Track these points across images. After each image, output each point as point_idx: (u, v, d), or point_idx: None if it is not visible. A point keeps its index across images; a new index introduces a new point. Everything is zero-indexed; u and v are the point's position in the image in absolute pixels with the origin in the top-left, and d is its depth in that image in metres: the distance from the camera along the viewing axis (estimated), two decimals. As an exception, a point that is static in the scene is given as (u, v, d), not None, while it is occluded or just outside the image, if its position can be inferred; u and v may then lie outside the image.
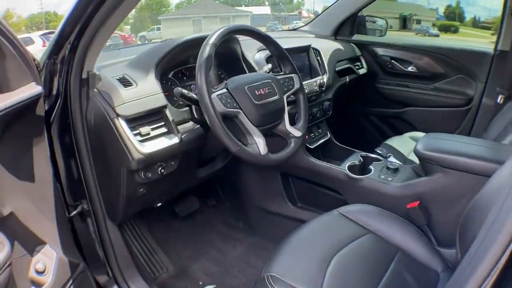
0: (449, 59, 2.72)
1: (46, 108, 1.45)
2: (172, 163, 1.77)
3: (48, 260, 1.44)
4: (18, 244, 1.29)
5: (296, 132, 1.77)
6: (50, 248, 1.45)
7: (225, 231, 2.65)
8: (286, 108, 1.77)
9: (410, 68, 2.86)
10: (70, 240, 1.55)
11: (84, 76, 1.51)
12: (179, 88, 1.57)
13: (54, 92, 1.49)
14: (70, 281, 1.50)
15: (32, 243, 1.39)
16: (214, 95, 1.52)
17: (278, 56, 1.86)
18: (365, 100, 3.25)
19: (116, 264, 1.85)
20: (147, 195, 1.81)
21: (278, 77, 1.79)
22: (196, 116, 1.76)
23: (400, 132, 2.70)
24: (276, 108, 1.71)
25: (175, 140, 1.67)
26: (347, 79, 2.70)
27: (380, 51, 2.98)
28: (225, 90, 1.57)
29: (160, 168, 1.71)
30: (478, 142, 1.79)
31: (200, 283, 2.26)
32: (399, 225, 1.63)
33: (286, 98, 1.78)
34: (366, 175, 1.96)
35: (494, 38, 2.61)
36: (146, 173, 1.68)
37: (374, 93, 3.09)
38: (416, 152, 1.75)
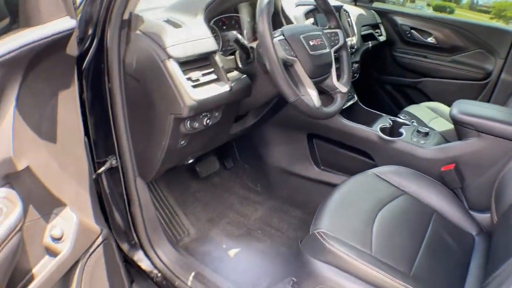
0: (470, 33, 2.73)
1: (78, 53, 1.26)
2: (216, 114, 1.65)
3: (67, 225, 1.27)
4: (32, 205, 1.14)
5: (342, 88, 1.69)
6: (70, 211, 1.28)
7: (243, 194, 2.51)
8: (334, 63, 1.69)
9: (429, 39, 2.86)
10: (95, 202, 1.38)
11: (125, 17, 1.36)
12: (234, 32, 1.52)
13: (90, 32, 1.32)
14: (91, 250, 1.35)
15: (49, 205, 1.23)
16: (275, 40, 1.42)
17: (325, 10, 1.76)
18: (381, 68, 3.21)
19: (143, 227, 1.70)
20: (186, 148, 1.68)
21: (324, 31, 1.71)
22: (241, 65, 1.66)
23: (414, 102, 2.79)
24: (326, 61, 1.64)
25: (225, 88, 1.55)
26: (370, 45, 2.69)
27: (399, 20, 2.97)
28: (282, 37, 1.48)
29: (206, 119, 1.59)
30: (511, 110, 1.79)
31: (224, 246, 2.12)
32: (433, 187, 1.64)
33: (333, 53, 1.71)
34: (399, 138, 1.93)
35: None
36: (193, 123, 1.55)
37: (391, 62, 3.08)
38: (452, 116, 1.75)
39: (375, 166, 1.81)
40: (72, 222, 1.26)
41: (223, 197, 2.47)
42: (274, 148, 2.42)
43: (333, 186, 2.16)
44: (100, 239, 1.35)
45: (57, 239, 1.23)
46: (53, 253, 1.22)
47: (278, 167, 2.45)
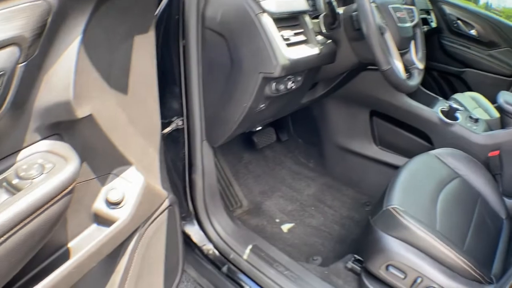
0: (502, 31, 2.79)
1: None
2: (299, 78, 1.53)
3: (130, 187, 1.13)
4: (87, 162, 1.03)
5: (419, 64, 1.68)
6: (137, 171, 1.13)
7: (295, 169, 2.39)
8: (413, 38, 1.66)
9: (472, 32, 2.89)
10: (163, 163, 1.25)
11: None
12: None
13: None
14: (152, 218, 1.22)
15: (109, 163, 1.11)
16: (373, 5, 1.37)
17: None
18: (430, 54, 3.16)
19: (202, 195, 1.59)
20: (263, 113, 1.58)
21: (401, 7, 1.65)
22: (326, 30, 1.57)
23: (457, 91, 2.85)
24: (408, 35, 1.61)
25: (314, 51, 1.45)
26: (425, 29, 2.71)
27: (447, 9, 2.99)
28: (374, 4, 1.44)
29: (290, 82, 1.49)
30: None
31: (277, 220, 2.01)
32: (480, 171, 1.71)
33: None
34: (456, 121, 1.93)
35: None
36: (279, 85, 1.45)
37: (439, 49, 3.08)
38: (499, 105, 1.89)
39: (430, 148, 1.83)
40: (138, 184, 1.13)
41: (275, 171, 2.36)
42: (333, 124, 2.31)
43: (389, 166, 2.15)
44: (165, 205, 1.22)
45: (114, 204, 1.10)
46: (105, 221, 1.10)
47: (335, 143, 2.35)
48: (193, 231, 1.66)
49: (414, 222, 1.30)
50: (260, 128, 2.06)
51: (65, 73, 0.89)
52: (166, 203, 1.24)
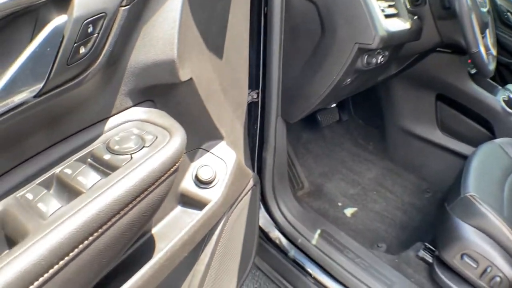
0: None
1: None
2: (387, 53, 1.42)
3: (221, 165, 1.01)
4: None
5: (493, 50, 1.62)
6: (227, 147, 1.01)
7: (354, 151, 2.26)
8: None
9: None
10: (246, 137, 1.11)
11: None
12: None
13: None
14: (238, 200, 1.10)
15: (201, 135, 0.99)
16: None
17: None
18: None
19: (271, 175, 1.46)
20: (346, 88, 1.48)
21: None
22: (410, 6, 1.48)
23: (506, 82, 2.60)
24: (486, 20, 1.54)
25: (406, 25, 1.37)
26: None
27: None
28: None
29: (380, 56, 1.39)
30: None
31: (339, 204, 1.89)
32: None
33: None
34: None
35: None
36: (370, 58, 1.35)
37: None
38: None
39: (491, 137, 1.80)
40: (230, 161, 1.00)
41: (334, 152, 2.23)
42: (398, 105, 2.16)
43: (451, 152, 2.03)
44: (250, 184, 1.09)
45: (205, 183, 0.97)
46: (192, 203, 0.97)
47: (399, 126, 2.20)
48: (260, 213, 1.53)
49: (491, 210, 1.27)
50: (334, 105, 1.93)
51: (168, 26, 0.76)
52: (251, 183, 1.11)
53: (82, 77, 0.69)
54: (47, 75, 0.62)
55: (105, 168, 0.72)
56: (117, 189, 0.66)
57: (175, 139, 0.76)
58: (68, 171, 0.71)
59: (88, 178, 0.69)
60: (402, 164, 2.24)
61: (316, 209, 1.82)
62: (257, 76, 1.30)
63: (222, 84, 0.97)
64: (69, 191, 0.69)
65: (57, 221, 0.61)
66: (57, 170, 0.72)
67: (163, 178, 0.73)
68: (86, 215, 0.62)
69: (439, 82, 2.00)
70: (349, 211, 1.86)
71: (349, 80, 1.41)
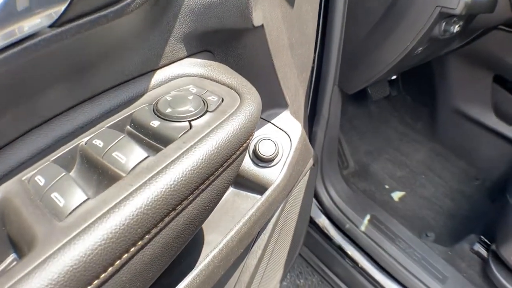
0: None
1: None
2: (461, 22, 1.26)
3: (284, 139, 0.83)
4: None
5: None
6: (292, 117, 0.85)
7: (401, 129, 2.05)
8: None
9: None
10: (307, 109, 0.93)
11: None
12: None
13: None
14: (298, 181, 0.91)
15: (264, 99, 0.77)
16: None
17: None
18: None
19: (321, 151, 1.29)
20: (414, 58, 1.32)
21: None
22: None
23: None
24: None
25: None
26: None
27: None
28: None
29: (456, 26, 1.22)
30: None
31: (387, 187, 1.70)
32: None
33: None
34: None
35: None
36: (448, 26, 1.19)
37: None
38: None
39: None
40: (295, 135, 0.83)
41: (380, 129, 2.04)
42: (453, 84, 1.94)
43: (503, 139, 1.85)
44: (310, 163, 0.90)
45: (265, 161, 0.80)
46: (249, 184, 0.79)
47: (451, 105, 1.98)
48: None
49: None
50: (394, 76, 1.76)
51: None
52: (311, 162, 0.92)
53: (124, 3, 0.50)
54: None
55: (153, 140, 0.53)
56: (172, 174, 0.47)
57: (248, 102, 0.58)
58: (99, 142, 0.51)
59: (128, 154, 0.49)
60: (451, 147, 2.04)
61: (362, 191, 1.65)
62: (316, 37, 1.10)
63: (290, 39, 0.78)
64: (99, 173, 0.50)
65: (79, 225, 0.42)
66: (82, 140, 0.53)
67: (234, 156, 0.54)
68: (126, 215, 0.44)
69: (498, 62, 1.78)
70: (397, 195, 1.68)
71: (420, 49, 1.23)
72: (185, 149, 0.50)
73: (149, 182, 0.46)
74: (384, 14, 1.15)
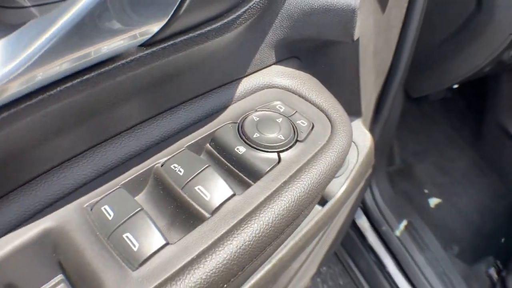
0: None
1: None
2: None
3: (353, 149, 0.79)
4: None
5: None
6: (363, 126, 0.82)
7: (450, 133, 1.98)
8: None
9: None
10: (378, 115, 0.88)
11: None
12: None
13: None
14: (357, 190, 0.85)
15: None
16: None
17: None
18: None
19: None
20: (479, 73, 1.26)
21: None
22: None
23: None
24: None
25: None
26: None
27: None
28: None
29: None
30: None
31: (426, 191, 1.63)
32: None
33: None
34: None
35: None
36: None
37: None
38: None
39: None
40: (364, 146, 0.80)
41: (430, 130, 1.96)
42: (502, 100, 1.79)
43: None
44: (369, 171, 0.85)
45: None
46: None
47: (497, 121, 1.85)
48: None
49: None
50: (456, 86, 1.67)
51: None
52: (370, 170, 0.87)
53: (228, 19, 0.45)
54: (176, 7, 0.38)
55: (236, 169, 0.47)
56: (260, 222, 0.42)
57: (341, 134, 0.52)
58: (178, 169, 0.45)
59: (212, 190, 0.43)
60: (490, 161, 1.94)
61: (402, 191, 1.59)
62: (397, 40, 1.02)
63: (376, 46, 0.72)
64: (177, 206, 0.44)
65: (156, 277, 0.37)
66: (158, 162, 0.46)
67: (320, 194, 0.49)
68: (209, 269, 0.38)
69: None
70: (433, 202, 1.63)
71: (487, 69, 1.18)
72: (273, 189, 0.45)
73: (235, 232, 0.41)
74: (461, 26, 1.08)
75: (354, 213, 1.07)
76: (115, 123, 0.46)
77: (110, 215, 0.41)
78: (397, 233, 1.31)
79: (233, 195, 0.44)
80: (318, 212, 0.71)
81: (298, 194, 0.45)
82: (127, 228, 0.40)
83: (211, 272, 0.38)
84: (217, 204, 0.43)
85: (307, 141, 0.50)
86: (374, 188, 1.33)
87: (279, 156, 0.48)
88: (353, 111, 0.76)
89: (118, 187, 0.43)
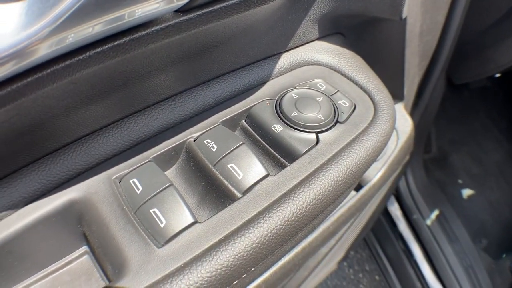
0: None
1: None
2: None
3: (393, 134, 0.73)
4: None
5: None
6: (404, 111, 0.76)
7: (487, 123, 1.88)
8: None
9: None
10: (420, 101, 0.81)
11: None
12: None
13: None
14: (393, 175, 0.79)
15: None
16: None
17: None
18: None
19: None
20: None
21: None
22: None
23: None
24: None
25: None
26: None
27: None
28: None
29: None
30: None
31: (460, 181, 1.55)
32: None
33: None
34: None
35: None
36: None
37: None
38: None
39: None
40: (404, 131, 0.74)
41: (468, 119, 1.84)
42: None
43: None
44: (407, 157, 0.79)
45: None
46: None
47: None
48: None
49: None
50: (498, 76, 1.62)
51: None
52: (408, 157, 0.81)
53: None
54: None
55: (272, 148, 0.43)
56: (293, 206, 0.38)
57: (384, 117, 0.47)
58: (212, 145, 0.41)
59: (245, 169, 0.39)
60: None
61: (436, 180, 1.52)
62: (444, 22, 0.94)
63: (422, 26, 0.66)
64: (208, 183, 0.40)
65: (181, 256, 0.34)
66: (192, 136, 0.43)
67: (358, 179, 0.45)
68: (238, 252, 0.35)
69: None
70: (466, 193, 1.55)
71: None
72: (310, 172, 0.40)
73: (267, 214, 0.37)
74: (506, 13, 0.99)
75: (388, 200, 1.01)
76: (148, 93, 0.42)
77: (138, 189, 0.38)
78: (428, 222, 1.25)
79: (267, 175, 0.40)
80: (352, 197, 0.66)
81: (336, 179, 0.41)
82: (155, 203, 0.37)
83: (239, 255, 0.35)
84: (249, 184, 0.39)
85: (348, 122, 0.46)
86: (409, 175, 1.26)
87: (317, 137, 0.44)
88: (396, 94, 0.70)
89: (148, 160, 0.40)
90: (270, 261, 0.43)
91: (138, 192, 0.38)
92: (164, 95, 0.44)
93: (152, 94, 0.42)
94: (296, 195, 0.38)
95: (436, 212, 1.26)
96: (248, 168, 0.40)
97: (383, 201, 0.92)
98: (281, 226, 0.37)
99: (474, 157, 1.70)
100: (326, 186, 0.40)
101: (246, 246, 0.35)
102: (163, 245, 0.35)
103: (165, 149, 0.41)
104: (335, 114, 0.46)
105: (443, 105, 1.73)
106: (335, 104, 0.47)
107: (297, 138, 0.43)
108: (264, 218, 0.37)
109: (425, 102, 1.13)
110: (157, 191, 0.37)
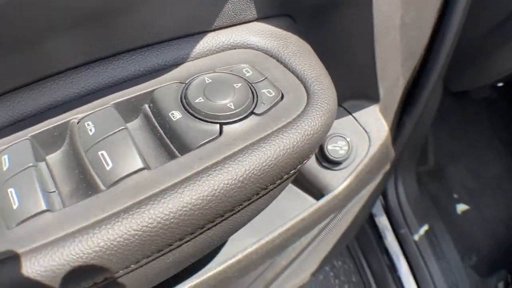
0: None
1: None
2: None
3: (364, 138, 0.66)
4: None
5: None
6: (379, 114, 0.66)
7: (489, 133, 1.78)
8: None
9: None
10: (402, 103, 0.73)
11: None
12: None
13: None
14: (366, 188, 0.72)
15: (351, 86, 0.64)
16: None
17: None
18: None
19: (403, 143, 1.07)
20: None
21: None
22: None
23: None
24: None
25: None
26: None
27: None
28: None
29: None
30: None
31: (455, 196, 1.46)
32: None
33: None
34: None
35: None
36: None
37: None
38: None
39: None
40: (376, 136, 0.66)
41: (469, 128, 1.73)
42: None
43: None
44: (387, 168, 0.71)
45: (333, 162, 0.62)
46: (305, 185, 0.63)
47: None
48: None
49: None
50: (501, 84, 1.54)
51: None
52: (387, 167, 0.72)
53: None
54: None
55: (169, 139, 0.35)
56: (158, 213, 0.30)
57: (316, 110, 0.38)
58: (91, 127, 0.35)
59: (118, 159, 0.32)
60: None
61: (429, 195, 1.42)
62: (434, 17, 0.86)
63: (404, 18, 0.56)
64: (80, 173, 0.34)
65: (31, 242, 0.29)
66: (77, 116, 0.36)
67: (264, 191, 0.36)
68: (79, 251, 0.29)
69: None
70: (460, 208, 1.47)
71: None
72: (197, 170, 0.32)
73: (122, 215, 0.30)
74: (508, 16, 0.89)
75: (368, 211, 0.93)
76: (39, 62, 0.35)
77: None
78: (416, 237, 1.16)
79: (142, 169, 0.32)
80: (310, 206, 0.57)
81: (225, 184, 0.32)
82: (11, 184, 0.31)
83: (77, 255, 0.29)
84: (118, 176, 0.32)
85: (266, 115, 0.37)
86: (400, 187, 1.17)
87: (221, 128, 0.35)
88: (368, 94, 0.61)
89: (25, 138, 0.34)
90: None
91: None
92: (58, 68, 0.36)
93: (43, 64, 0.35)
94: (164, 198, 0.30)
95: (425, 227, 1.17)
96: (121, 158, 0.32)
97: (362, 212, 0.83)
98: (135, 232, 0.29)
99: (471, 170, 1.61)
100: (208, 192, 0.32)
101: (84, 248, 0.28)
102: (14, 227, 0.29)
103: (45, 128, 0.34)
104: (252, 104, 0.37)
105: (443, 116, 1.64)
106: (256, 93, 0.38)
107: (196, 128, 0.35)
108: (117, 219, 0.29)
109: (419, 110, 1.03)
110: (17, 172, 0.32)
